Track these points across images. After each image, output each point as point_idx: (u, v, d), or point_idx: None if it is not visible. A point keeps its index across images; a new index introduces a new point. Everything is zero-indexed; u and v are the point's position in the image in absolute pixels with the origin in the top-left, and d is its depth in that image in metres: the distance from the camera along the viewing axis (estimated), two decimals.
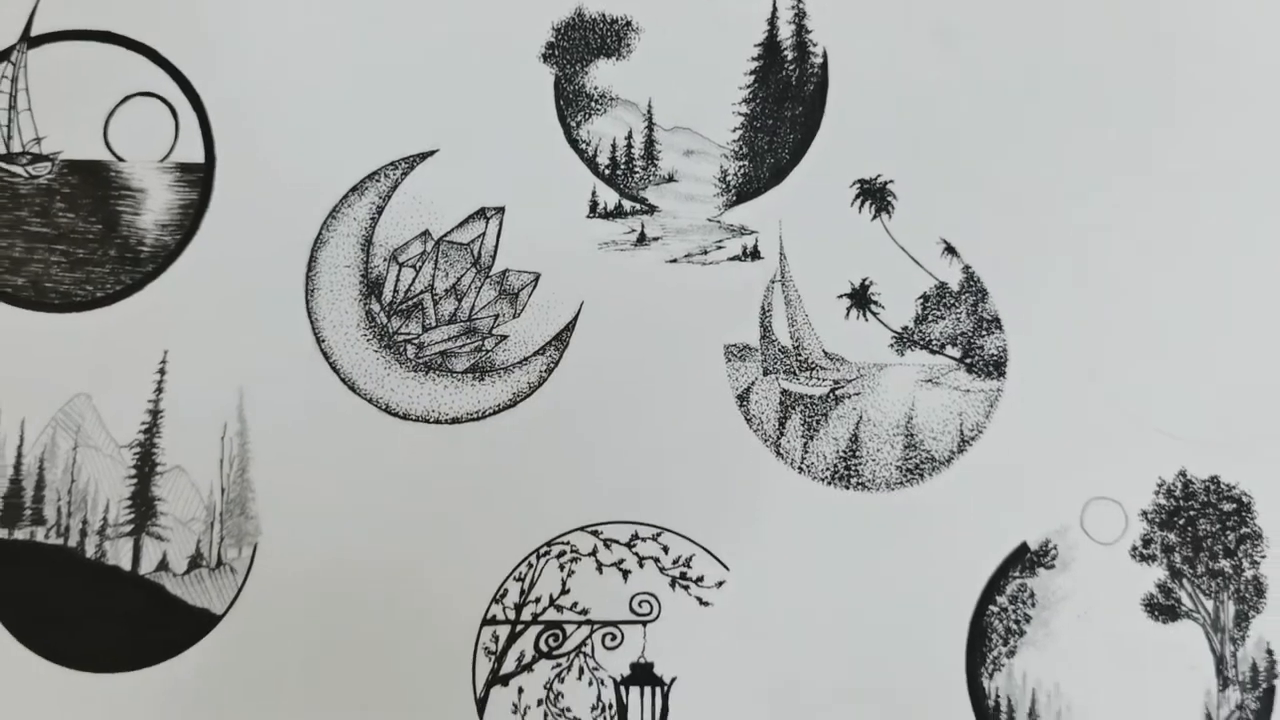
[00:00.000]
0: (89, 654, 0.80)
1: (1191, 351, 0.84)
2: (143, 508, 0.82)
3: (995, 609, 0.81)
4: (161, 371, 0.83)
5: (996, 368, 0.84)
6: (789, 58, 0.87)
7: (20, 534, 0.82)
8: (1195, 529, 0.82)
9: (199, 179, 0.86)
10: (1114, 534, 0.82)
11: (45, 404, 0.83)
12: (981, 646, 0.81)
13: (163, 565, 0.82)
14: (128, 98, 0.87)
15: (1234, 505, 0.83)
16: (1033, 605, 0.82)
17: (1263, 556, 0.82)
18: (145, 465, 0.83)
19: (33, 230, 0.85)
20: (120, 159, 0.86)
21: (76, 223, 0.85)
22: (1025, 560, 0.82)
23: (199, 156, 0.86)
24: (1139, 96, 0.86)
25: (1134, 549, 0.82)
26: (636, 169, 0.86)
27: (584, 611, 0.81)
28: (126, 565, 0.82)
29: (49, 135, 0.86)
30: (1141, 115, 0.86)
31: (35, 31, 0.86)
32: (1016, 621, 0.81)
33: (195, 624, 0.81)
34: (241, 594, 0.81)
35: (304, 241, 0.85)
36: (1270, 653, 0.81)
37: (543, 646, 0.81)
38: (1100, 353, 0.84)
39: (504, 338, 0.84)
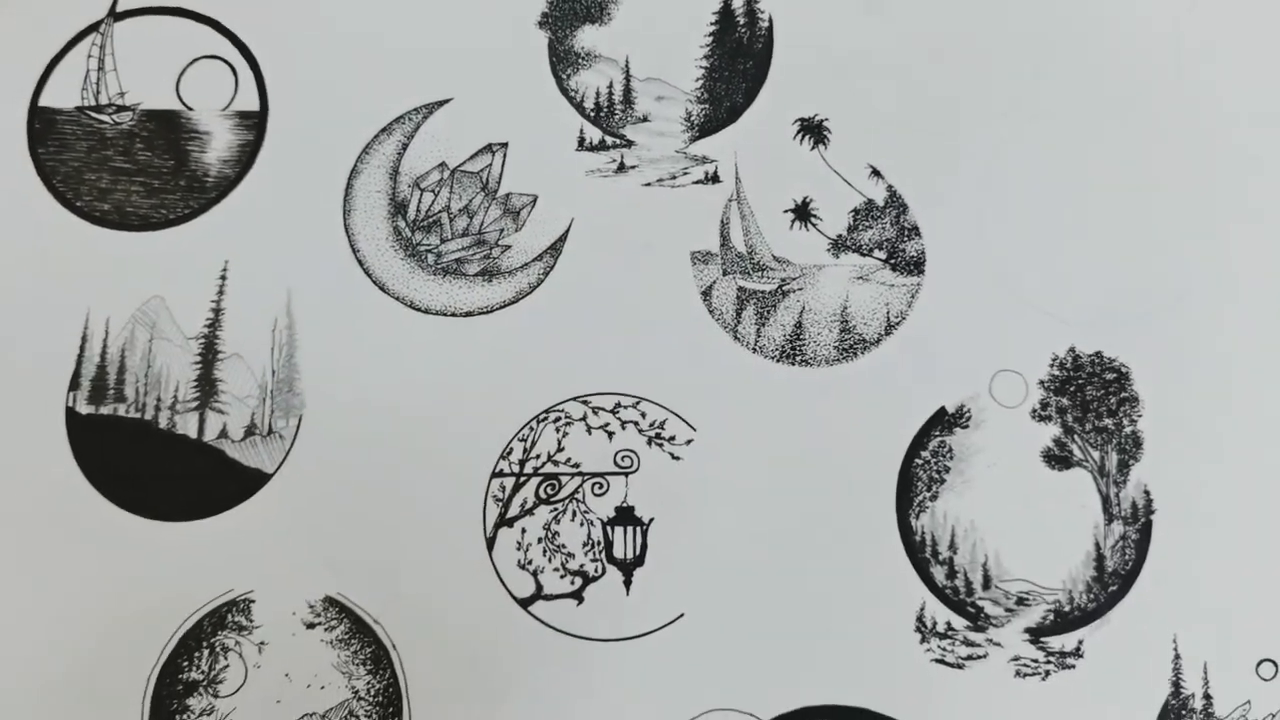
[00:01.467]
0: (161, 507, 0.92)
1: (1078, 250, 0.97)
2: (206, 387, 0.95)
3: (919, 462, 0.93)
4: (223, 278, 0.97)
5: (916, 266, 0.98)
6: (741, 22, 1.02)
7: (105, 410, 0.94)
8: (1083, 394, 0.95)
9: (254, 123, 1.00)
10: (1017, 399, 0.95)
11: (127, 305, 0.96)
12: (909, 492, 0.92)
13: (223, 434, 0.94)
14: (196, 59, 1.01)
15: (1115, 375, 0.95)
16: (951, 458, 0.94)
17: (1139, 416, 0.95)
18: (209, 353, 0.95)
19: (116, 166, 0.99)
20: (189, 108, 1.00)
21: (153, 159, 0.99)
22: (944, 422, 0.94)
23: (255, 105, 1.00)
24: (1034, 30, 1.01)
25: (1033, 411, 0.95)
26: (616, 112, 1.00)
27: (576, 465, 0.93)
28: (193, 434, 0.94)
29: (130, 90, 1.01)
30: (1033, 51, 1.01)
31: (120, 7, 1.02)
32: (938, 471, 0.93)
33: (250, 481, 0.93)
34: (289, 457, 0.93)
35: (342, 173, 0.99)
36: (1147, 493, 0.93)
37: (542, 494, 0.92)
38: (1002, 252, 0.97)
39: (508, 247, 0.97)
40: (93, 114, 1.00)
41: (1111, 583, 0.92)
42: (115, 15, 1.01)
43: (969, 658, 0.91)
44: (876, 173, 0.99)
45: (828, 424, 0.93)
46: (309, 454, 0.93)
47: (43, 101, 1.00)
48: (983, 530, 0.92)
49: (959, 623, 0.91)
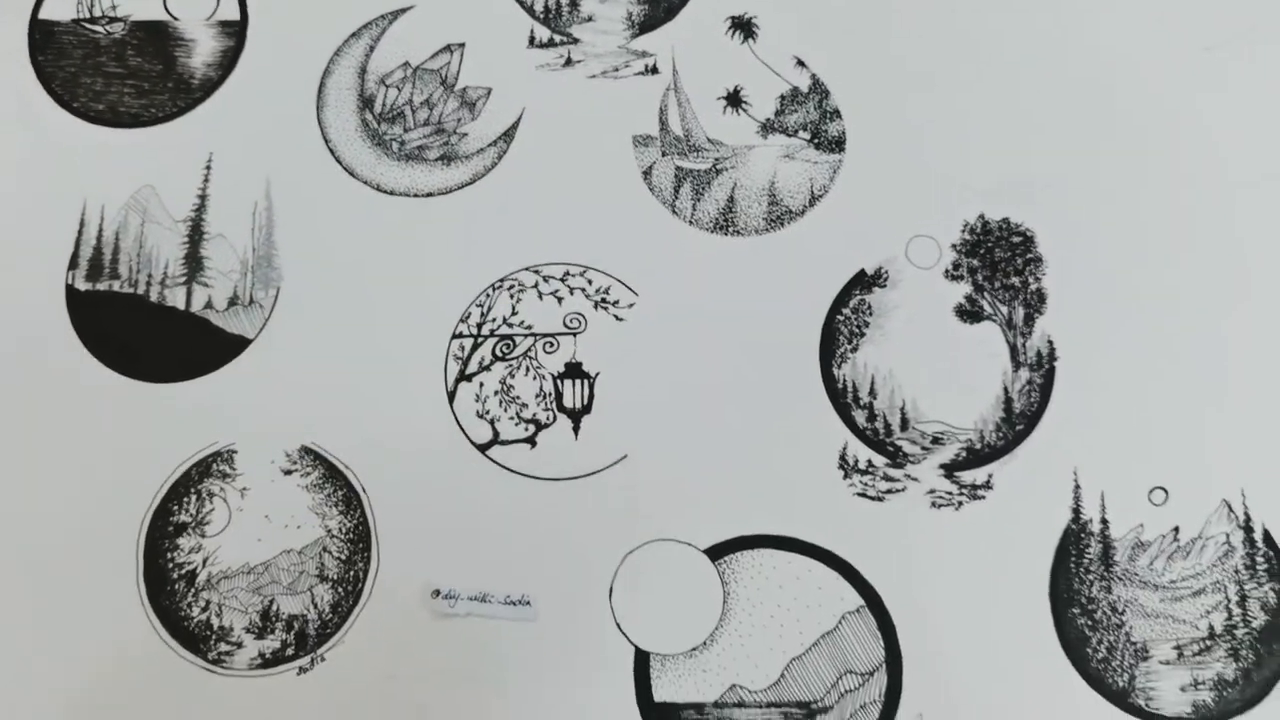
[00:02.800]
0: (153, 370, 1.00)
1: (986, 125, 1.06)
2: (193, 264, 1.04)
3: (841, 317, 1.00)
4: (208, 167, 1.06)
5: (838, 145, 1.06)
6: None
7: (101, 286, 1.03)
8: (992, 256, 1.03)
9: (235, 31, 1.09)
10: (931, 261, 1.03)
11: (120, 193, 1.05)
12: (831, 345, 0.99)
13: (208, 305, 1.02)
14: None
15: (1021, 238, 1.04)
16: (870, 314, 1.00)
17: (1044, 275, 1.03)
18: (195, 234, 1.04)
19: (110, 70, 1.09)
20: (175, 19, 1.10)
21: (143, 64, 1.09)
22: (863, 282, 1.01)
23: (235, 15, 1.10)
24: None
25: (946, 271, 1.02)
26: (564, 13, 1.09)
27: (529, 327, 1.00)
28: (181, 305, 1.02)
29: (121, 4, 1.11)
30: None
31: None
32: (858, 326, 1.00)
33: (233, 346, 1.01)
34: (268, 324, 1.01)
35: (315, 73, 1.08)
36: (1051, 343, 1.01)
37: (498, 353, 0.99)
38: (917, 131, 1.06)
39: (465, 135, 1.05)
40: (87, 25, 1.10)
41: (1019, 423, 1.00)
42: None
43: (888, 491, 0.98)
44: (801, 63, 1.07)
45: (758, 287, 1.00)
46: (286, 321, 1.01)
47: (42, 15, 1.10)
48: (900, 378, 0.99)
49: (879, 460, 0.98)
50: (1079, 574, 0.94)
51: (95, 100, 1.08)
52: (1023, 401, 1.00)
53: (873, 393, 0.99)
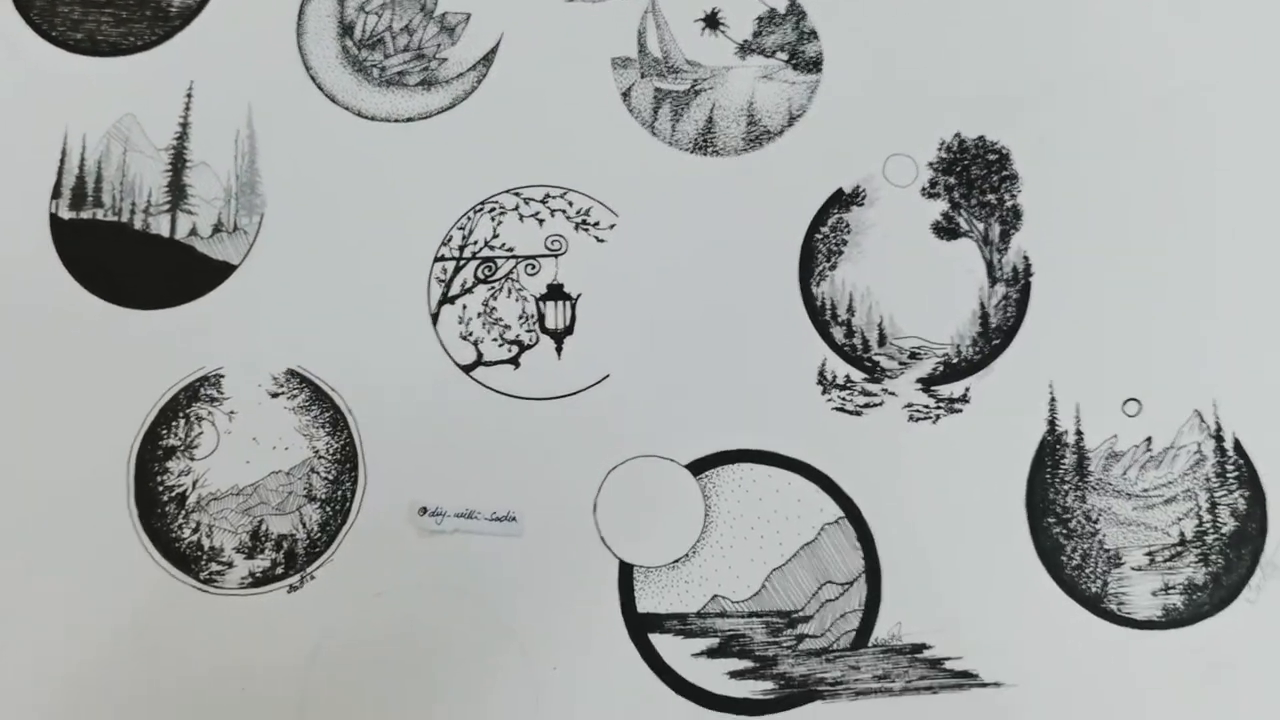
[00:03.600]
0: (140, 297, 1.01)
1: (961, 45, 1.08)
2: (177, 192, 1.05)
3: (819, 236, 1.02)
4: (189, 95, 1.07)
5: (815, 65, 1.08)
6: None
7: (85, 215, 1.04)
8: (969, 174, 1.05)
9: None
10: (908, 179, 1.05)
11: (102, 121, 1.06)
12: (810, 263, 1.01)
13: (193, 232, 1.03)
14: None
15: (997, 156, 1.06)
16: (848, 232, 1.03)
17: (1019, 191, 1.05)
18: (178, 162, 1.05)
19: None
20: None
21: None
22: (841, 200, 1.03)
23: None
24: None
25: (923, 189, 1.04)
26: None
27: (510, 249, 1.02)
28: (165, 233, 1.04)
29: None
30: None
31: None
32: (836, 244, 1.02)
33: (218, 272, 1.02)
34: (252, 250, 1.02)
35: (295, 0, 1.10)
36: (1026, 259, 1.03)
37: (480, 275, 1.01)
38: (893, 51, 1.08)
39: (445, 60, 1.06)
40: None
41: (995, 337, 1.02)
42: None
43: (866, 405, 1.01)
44: None
45: (737, 206, 1.02)
46: (270, 247, 1.02)
47: None
48: (878, 295, 1.01)
49: (857, 375, 1.00)
50: (1054, 484, 0.96)
51: (73, 29, 1.08)
52: (999, 316, 1.02)
53: (851, 309, 1.01)
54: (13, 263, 1.03)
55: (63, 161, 1.05)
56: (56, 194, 1.03)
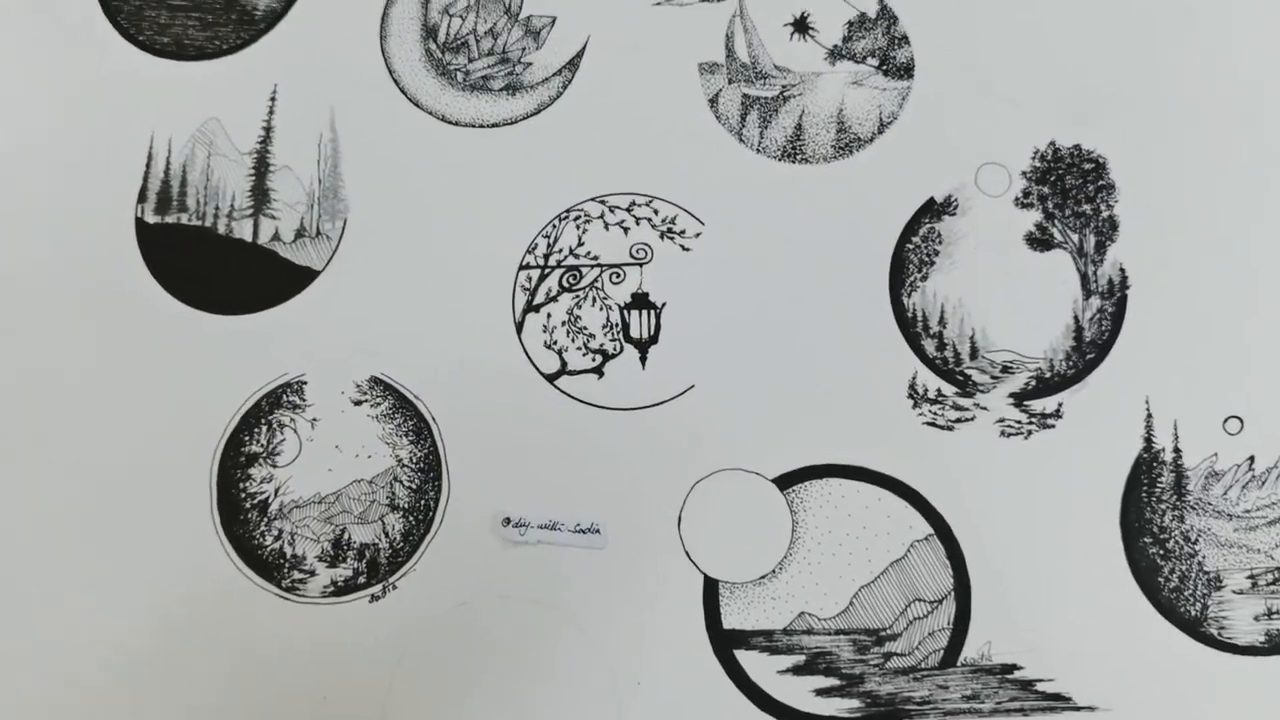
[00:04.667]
0: (223, 302, 1.01)
1: (1057, 51, 1.06)
2: (260, 197, 1.05)
3: (911, 246, 1.00)
4: (273, 99, 1.07)
5: (906, 71, 1.06)
6: None
7: (170, 219, 1.05)
8: (1063, 183, 1.03)
9: None
10: (1001, 189, 1.03)
11: (187, 125, 1.06)
12: (901, 273, 1.00)
13: (276, 237, 1.03)
14: None
15: (1092, 165, 1.03)
16: (940, 242, 1.01)
17: (1115, 202, 1.02)
18: (261, 166, 1.05)
19: (174, 4, 1.09)
20: None
21: None
22: (933, 210, 1.01)
23: None
24: None
25: (1016, 199, 1.02)
26: None
27: (595, 258, 1.01)
28: (249, 238, 1.03)
29: None
30: None
31: None
32: (928, 255, 1.00)
33: (301, 278, 1.02)
34: (335, 255, 1.02)
35: (378, 2, 1.08)
36: (1122, 270, 1.01)
37: (565, 284, 1.00)
38: (987, 56, 1.05)
39: (530, 64, 1.05)
40: None
41: (1089, 351, 1.00)
42: None
43: (958, 420, 0.99)
44: None
45: (826, 215, 1.01)
46: (354, 252, 1.02)
47: None
48: (970, 307, 0.99)
49: (948, 389, 0.98)
50: (1151, 503, 0.95)
51: (160, 33, 1.09)
52: (1093, 330, 1.00)
53: (942, 321, 0.99)
54: (99, 266, 1.03)
55: (149, 165, 1.05)
56: (142, 198, 1.04)
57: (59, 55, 1.08)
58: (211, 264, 1.02)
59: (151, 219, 1.03)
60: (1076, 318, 0.99)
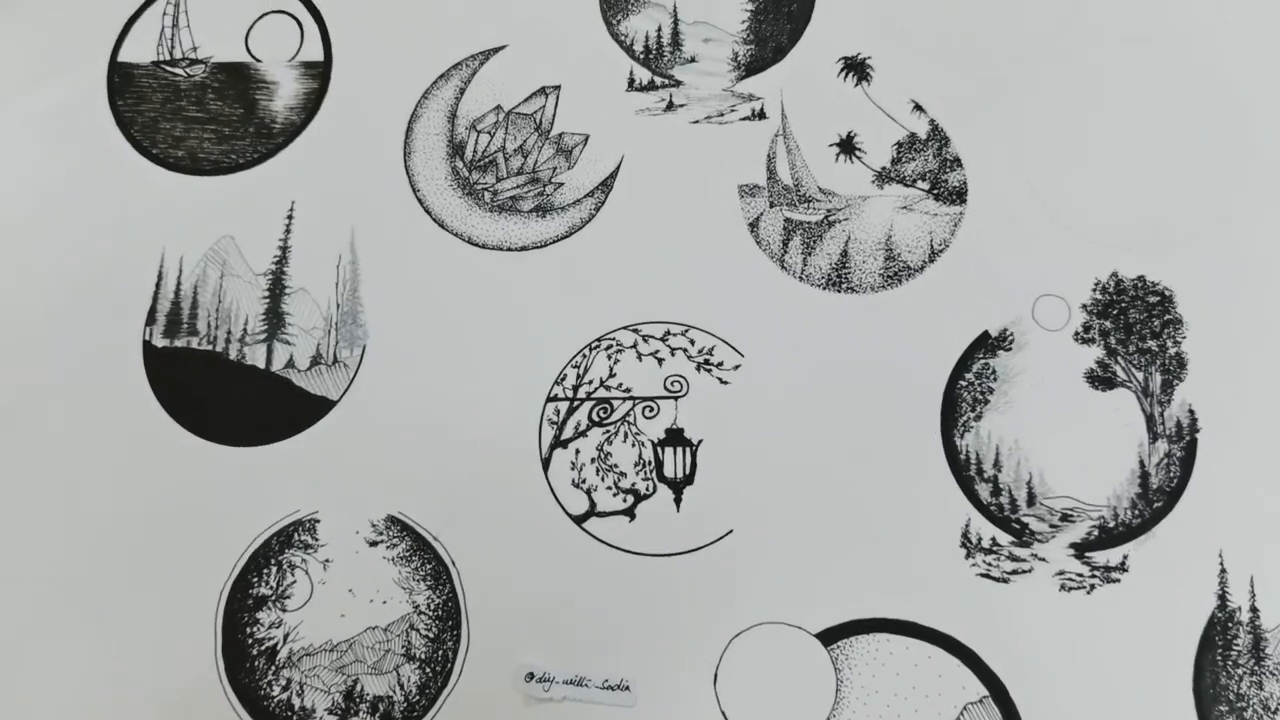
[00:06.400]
0: (232, 432, 0.99)
1: (1119, 175, 1.02)
2: (274, 320, 1.02)
3: (964, 383, 0.96)
4: (290, 217, 1.05)
5: (958, 196, 1.02)
6: None
7: (179, 343, 1.02)
8: (1126, 317, 0.98)
9: (319, 73, 1.09)
10: (1060, 322, 0.99)
11: (199, 244, 1.04)
12: (953, 413, 0.96)
13: (290, 364, 1.00)
14: (264, 14, 1.11)
15: (1158, 298, 0.99)
16: (994, 379, 0.96)
17: (1183, 338, 0.98)
18: (276, 288, 1.03)
19: (189, 115, 1.08)
20: (257, 60, 1.09)
21: (223, 108, 1.08)
22: (987, 345, 0.97)
23: (319, 56, 1.09)
24: None
25: (1076, 334, 0.98)
26: (665, 54, 1.07)
27: (627, 390, 0.98)
28: (261, 364, 1.01)
29: (202, 45, 1.10)
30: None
31: None
32: (981, 393, 0.96)
33: (315, 408, 0.99)
34: (353, 385, 0.99)
35: (402, 118, 1.07)
36: (1192, 412, 0.96)
37: (595, 417, 0.97)
38: (1044, 180, 1.02)
39: (561, 185, 1.03)
40: (168, 68, 1.10)
41: (1156, 499, 0.94)
42: None
43: (1014, 572, 0.93)
44: (919, 107, 1.04)
45: (874, 348, 0.97)
46: (372, 382, 0.99)
47: (122, 57, 1.11)
48: (1027, 449, 0.95)
49: (1004, 538, 0.93)
50: (1226, 667, 0.90)
51: (175, 146, 1.07)
52: (1161, 476, 0.95)
53: (997, 465, 0.95)
54: (104, 392, 1.01)
55: (158, 285, 1.03)
56: (151, 319, 1.02)
57: (69, 167, 1.07)
58: (222, 392, 1.00)
59: (160, 342, 1.01)
60: (1142, 462, 0.94)
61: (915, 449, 0.96)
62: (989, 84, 1.04)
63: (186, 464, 0.98)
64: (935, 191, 1.02)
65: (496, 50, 1.08)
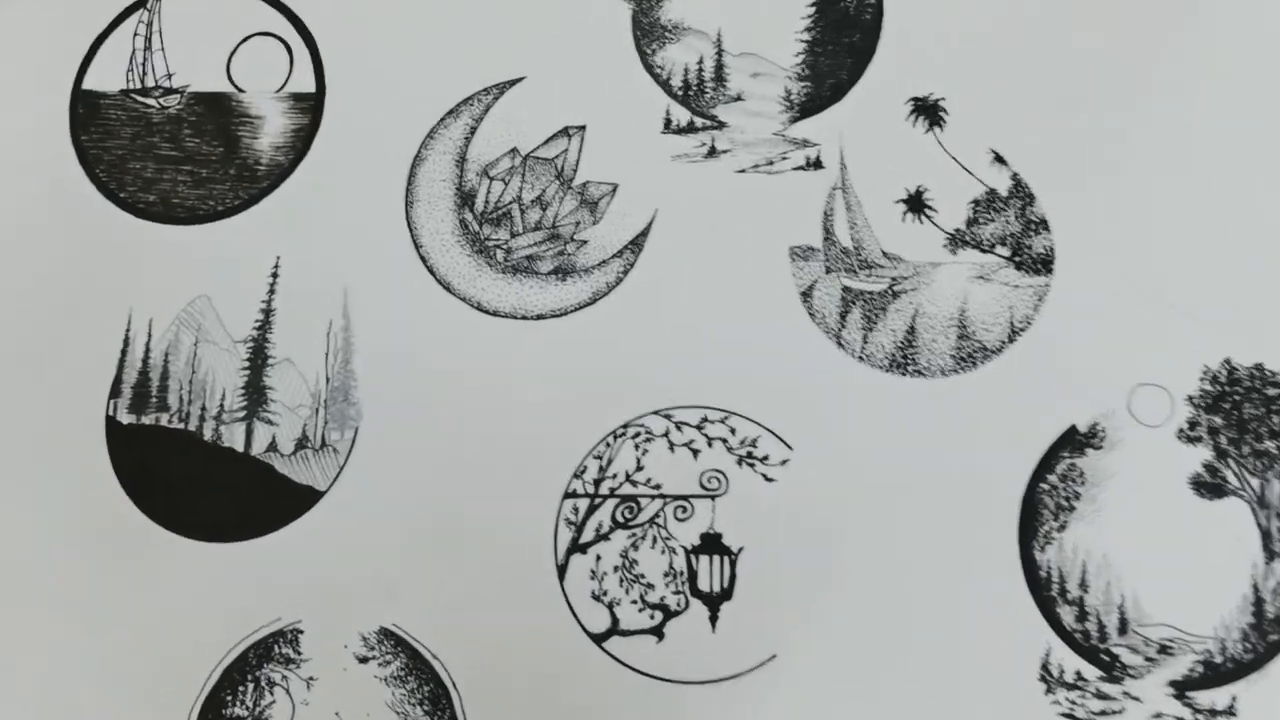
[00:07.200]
0: (204, 525, 0.90)
1: (1233, 244, 0.91)
2: (255, 396, 0.93)
3: (1046, 487, 0.87)
4: (274, 275, 0.95)
5: (1044, 265, 0.92)
6: None
7: (147, 419, 0.93)
8: (1240, 413, 0.88)
9: (310, 106, 0.99)
10: (1161, 417, 0.89)
11: (171, 305, 0.95)
12: (1033, 521, 0.86)
13: (272, 447, 0.92)
14: (248, 37, 1.01)
15: (1278, 390, 0.89)
16: (1082, 483, 0.87)
17: None
18: (258, 358, 0.94)
19: (162, 153, 0.99)
20: (241, 90, 1.00)
21: (201, 146, 0.99)
22: (1074, 441, 0.88)
23: (310, 87, 0.99)
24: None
25: (1180, 431, 0.88)
26: (707, 90, 0.97)
27: (657, 486, 0.89)
28: (240, 447, 0.92)
29: (178, 71, 1.01)
30: (1175, 17, 0.96)
31: None
32: (1066, 498, 0.87)
33: (301, 499, 0.90)
34: (343, 473, 0.91)
35: (404, 159, 0.97)
36: None
37: (619, 518, 0.89)
38: (1144, 249, 0.91)
39: (584, 242, 0.94)
40: (138, 97, 1.00)
41: (1272, 630, 0.85)
42: None
43: (1102, 713, 0.85)
44: (999, 159, 0.94)
45: (942, 442, 0.88)
46: (365, 470, 0.91)
47: (86, 84, 1.01)
48: (1119, 567, 0.86)
49: (1091, 672, 0.85)
50: None
51: (145, 189, 0.97)
52: (1277, 603, 0.85)
53: (1084, 585, 0.86)
54: (61, 475, 0.93)
55: (124, 352, 0.94)
56: (115, 392, 0.93)
57: (21, 212, 0.98)
58: (194, 478, 0.91)
59: (125, 418, 0.93)
60: (1256, 587, 0.84)
61: (988, 563, 0.86)
62: (1084, 133, 0.93)
63: (153, 561, 0.90)
64: (1017, 259, 0.91)
65: (513, 83, 0.98)
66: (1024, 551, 0.87)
